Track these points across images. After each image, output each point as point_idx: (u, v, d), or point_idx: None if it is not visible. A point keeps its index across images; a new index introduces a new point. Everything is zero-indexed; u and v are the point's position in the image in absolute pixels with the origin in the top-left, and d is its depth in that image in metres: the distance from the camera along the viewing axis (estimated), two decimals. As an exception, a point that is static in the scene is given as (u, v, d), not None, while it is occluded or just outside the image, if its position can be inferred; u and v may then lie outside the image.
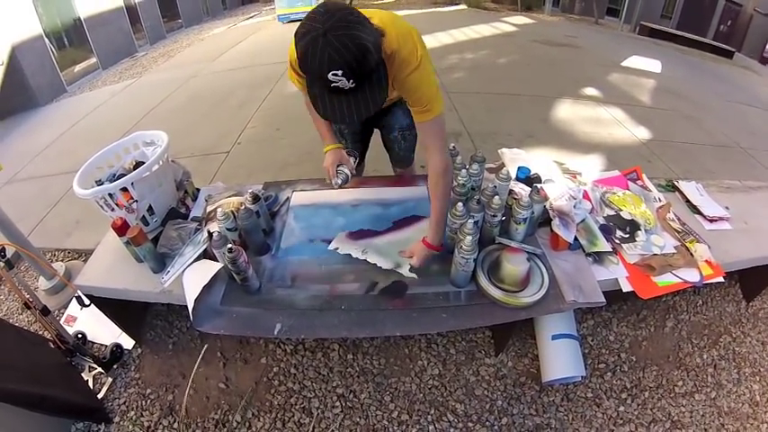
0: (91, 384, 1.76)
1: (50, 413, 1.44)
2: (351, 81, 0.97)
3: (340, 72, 0.95)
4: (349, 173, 1.55)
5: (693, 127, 4.11)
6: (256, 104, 4.56)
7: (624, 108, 4.35)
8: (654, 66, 6.35)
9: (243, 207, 1.46)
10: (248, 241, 1.55)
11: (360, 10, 1.08)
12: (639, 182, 1.94)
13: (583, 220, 1.61)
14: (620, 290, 1.49)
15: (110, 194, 1.52)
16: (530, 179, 1.73)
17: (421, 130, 1.33)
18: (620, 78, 5.45)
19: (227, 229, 1.46)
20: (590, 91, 4.79)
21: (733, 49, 9.73)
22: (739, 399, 1.72)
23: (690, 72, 6.83)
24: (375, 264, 1.54)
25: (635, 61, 6.41)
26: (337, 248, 1.62)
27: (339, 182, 1.53)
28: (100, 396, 1.73)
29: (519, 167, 1.77)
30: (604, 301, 1.40)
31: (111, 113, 5.10)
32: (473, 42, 7.16)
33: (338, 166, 1.56)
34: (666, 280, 1.51)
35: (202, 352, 1.75)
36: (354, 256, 1.58)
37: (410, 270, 1.50)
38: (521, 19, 9.91)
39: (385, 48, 1.10)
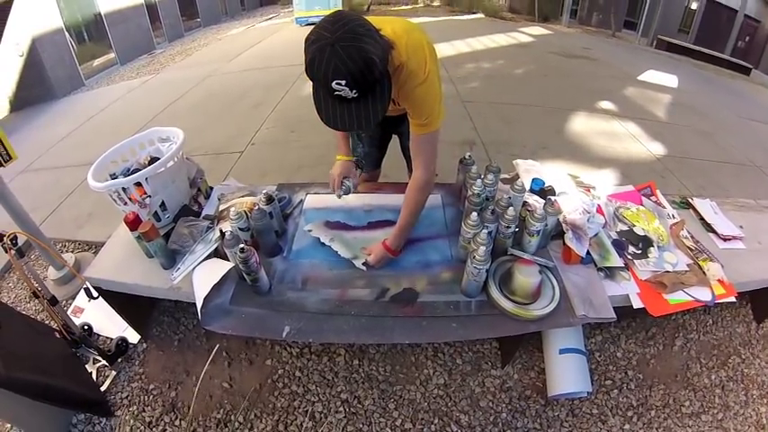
0: (95, 377, 1.78)
1: (53, 403, 1.45)
2: (354, 91, 0.99)
3: (344, 82, 0.97)
4: (352, 186, 1.61)
5: (708, 143, 4.06)
6: (271, 106, 4.59)
7: (639, 122, 4.32)
8: (670, 80, 6.30)
9: (256, 207, 1.46)
10: (260, 242, 1.55)
11: (374, 18, 1.12)
12: (653, 198, 1.92)
13: (596, 235, 1.59)
14: (631, 306, 1.47)
15: (123, 188, 1.53)
16: (543, 191, 1.72)
17: (414, 142, 1.36)
18: (636, 92, 5.41)
19: (240, 229, 1.46)
20: (605, 104, 4.76)
21: (750, 66, 9.64)
22: (746, 421, 1.69)
23: (706, 88, 6.77)
24: (337, 252, 1.61)
25: (651, 75, 6.37)
26: (311, 230, 1.69)
27: (341, 193, 1.59)
28: (103, 389, 1.74)
29: (533, 179, 1.76)
30: (615, 316, 1.38)
31: (128, 108, 5.16)
32: (489, 52, 7.16)
33: (344, 178, 1.60)
34: (678, 298, 1.49)
35: (212, 355, 1.75)
36: (322, 240, 1.64)
37: (363, 263, 1.56)
38: (537, 30, 9.91)
39: (393, 59, 1.12)
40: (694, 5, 11.50)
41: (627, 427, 1.65)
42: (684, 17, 11.72)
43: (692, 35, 11.28)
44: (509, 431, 1.63)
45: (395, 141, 1.95)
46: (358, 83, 0.98)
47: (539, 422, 1.65)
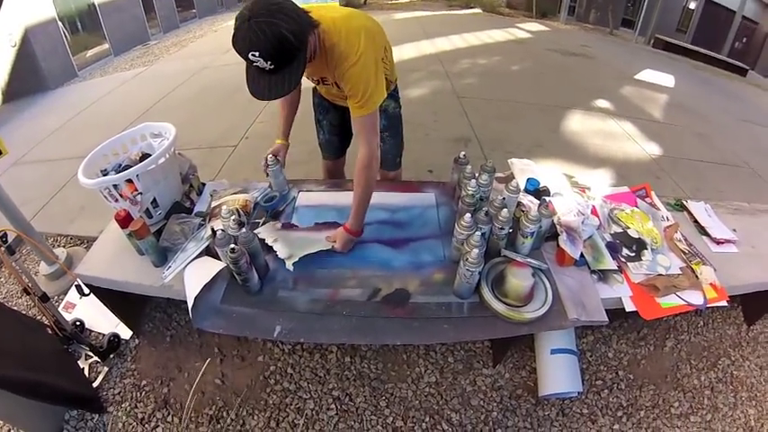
0: (86, 373, 1.77)
1: (45, 400, 1.44)
2: (269, 63, 1.13)
3: (257, 53, 1.10)
4: (278, 163, 1.76)
5: (704, 145, 4.08)
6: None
7: (635, 122, 4.32)
8: (667, 80, 6.31)
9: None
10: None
11: (318, 6, 1.31)
12: (648, 199, 1.92)
13: (590, 237, 1.59)
14: (623, 308, 1.48)
15: (114, 185, 1.51)
16: (538, 191, 1.71)
17: (354, 123, 1.44)
18: (633, 91, 5.41)
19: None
20: (602, 103, 4.76)
21: (747, 67, 9.67)
22: (734, 423, 1.71)
23: (702, 88, 6.78)
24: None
25: (648, 75, 6.37)
26: (259, 233, 1.62)
27: (266, 170, 1.73)
28: (95, 385, 1.73)
29: (528, 179, 1.75)
30: (607, 320, 1.39)
31: (121, 101, 5.09)
32: (486, 47, 7.12)
33: (269, 156, 1.74)
34: (670, 301, 1.50)
35: (204, 367, 1.77)
36: (267, 242, 1.60)
37: (292, 264, 1.55)
38: (535, 26, 9.87)
39: (324, 40, 1.29)
40: (693, 5, 11.52)
41: (616, 427, 1.66)
42: (682, 17, 11.74)
43: (690, 35, 11.29)
44: (500, 430, 1.64)
45: None
46: (270, 55, 1.11)
47: (529, 421, 1.66)
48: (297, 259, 1.53)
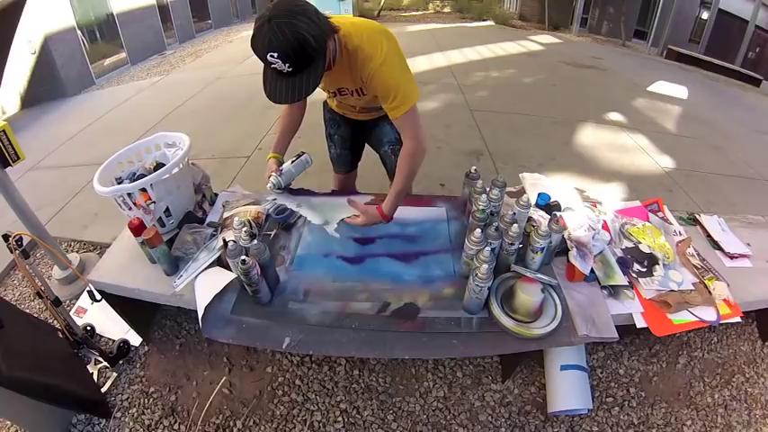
0: (95, 378, 1.79)
1: (53, 403, 1.46)
2: (287, 65, 1.11)
3: (276, 54, 1.09)
4: (281, 180, 1.64)
5: (717, 157, 4.03)
6: (279, 110, 4.57)
7: (648, 135, 4.29)
8: (680, 92, 6.26)
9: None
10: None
11: (338, 17, 1.30)
12: (660, 213, 1.90)
13: (600, 252, 1.58)
14: (634, 325, 1.46)
15: (128, 194, 1.54)
16: (549, 206, 1.71)
17: (396, 123, 1.44)
18: (646, 104, 5.38)
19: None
20: (614, 116, 4.73)
21: (761, 77, 9.54)
22: (748, 442, 1.67)
23: (716, 99, 6.71)
24: (306, 218, 1.65)
25: (661, 86, 6.33)
26: (275, 199, 1.67)
27: (270, 186, 1.64)
28: (103, 390, 1.75)
29: (539, 194, 1.74)
30: (617, 336, 1.37)
31: (137, 109, 5.18)
32: (499, 60, 7.14)
33: (271, 174, 1.65)
34: (682, 318, 1.47)
35: (219, 385, 1.78)
36: (289, 206, 1.65)
37: (335, 230, 1.61)
38: (547, 38, 9.89)
39: (346, 44, 1.29)
40: (705, 15, 11.44)
41: (627, 445, 1.63)
42: (695, 27, 11.64)
43: (703, 45, 11.19)
44: (508, 447, 1.62)
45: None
46: (289, 56, 1.10)
47: (538, 438, 1.65)
48: (336, 225, 1.58)
